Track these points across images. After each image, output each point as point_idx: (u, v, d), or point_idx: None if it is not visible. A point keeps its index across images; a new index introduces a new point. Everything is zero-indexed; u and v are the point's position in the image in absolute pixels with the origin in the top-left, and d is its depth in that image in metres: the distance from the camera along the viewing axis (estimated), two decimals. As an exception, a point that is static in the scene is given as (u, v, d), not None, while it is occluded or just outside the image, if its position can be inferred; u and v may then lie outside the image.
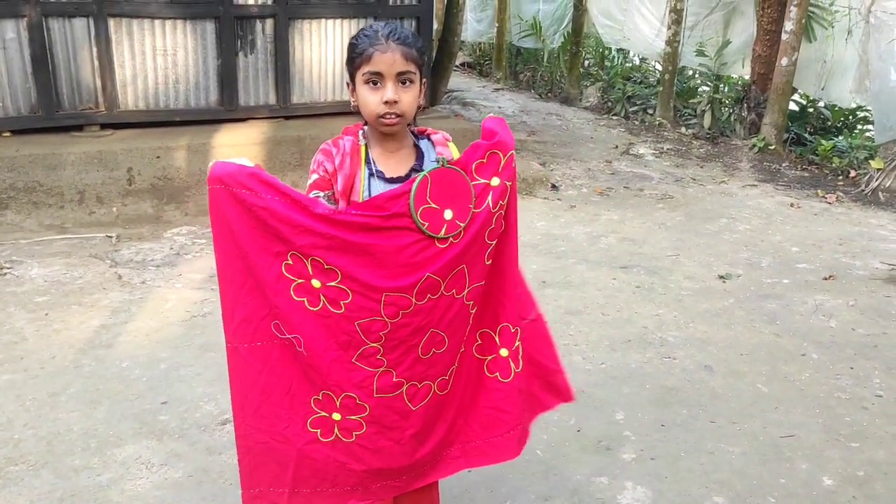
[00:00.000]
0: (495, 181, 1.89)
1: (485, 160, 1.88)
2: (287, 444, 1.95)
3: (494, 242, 1.95)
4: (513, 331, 2.07)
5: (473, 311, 1.99)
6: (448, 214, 1.82)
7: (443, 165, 1.83)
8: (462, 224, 1.85)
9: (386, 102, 1.83)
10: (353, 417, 1.92)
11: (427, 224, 1.80)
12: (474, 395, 2.09)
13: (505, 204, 1.94)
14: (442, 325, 1.90)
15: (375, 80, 1.84)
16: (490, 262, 1.96)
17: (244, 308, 1.86)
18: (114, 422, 3.12)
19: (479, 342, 2.06)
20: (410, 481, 2.05)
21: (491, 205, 1.88)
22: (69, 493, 2.70)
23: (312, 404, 1.93)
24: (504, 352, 2.08)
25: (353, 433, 1.94)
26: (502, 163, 1.90)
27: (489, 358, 2.08)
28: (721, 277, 4.86)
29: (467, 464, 2.14)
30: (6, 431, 3.03)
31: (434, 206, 1.80)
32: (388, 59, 1.81)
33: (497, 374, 2.09)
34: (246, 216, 1.77)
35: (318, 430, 1.94)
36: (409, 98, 1.86)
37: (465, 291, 1.92)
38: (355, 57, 1.85)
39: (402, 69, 1.83)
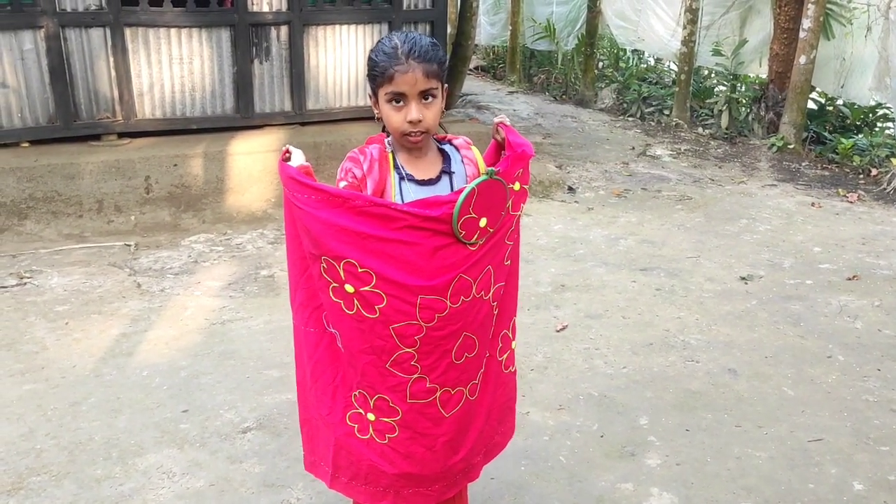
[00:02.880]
0: (517, 186, 1.94)
1: (522, 171, 1.94)
2: (329, 428, 2.00)
3: (512, 244, 2.00)
4: (515, 320, 2.16)
5: (496, 312, 2.02)
6: (483, 222, 1.84)
7: (491, 177, 1.82)
8: (492, 230, 1.88)
9: (410, 122, 1.85)
10: (386, 420, 1.93)
11: (464, 233, 1.81)
12: (495, 394, 2.11)
13: (524, 207, 1.99)
14: (473, 327, 1.91)
15: (398, 98, 1.84)
16: (509, 262, 2.01)
17: (302, 293, 1.94)
18: (135, 431, 3.12)
19: (501, 345, 2.09)
20: (444, 490, 2.04)
21: (511, 208, 1.94)
22: (91, 502, 2.69)
23: (353, 399, 1.95)
24: (514, 344, 2.16)
25: (386, 436, 1.94)
26: (524, 169, 1.97)
27: (506, 356, 2.12)
28: (743, 279, 4.80)
29: (486, 460, 2.17)
30: (28, 441, 3.04)
31: (474, 215, 1.81)
32: (410, 79, 1.81)
33: (511, 367, 2.16)
34: (296, 215, 1.83)
35: (356, 426, 1.97)
36: (433, 113, 1.88)
37: (491, 292, 1.95)
38: (376, 75, 1.85)
39: (425, 87, 1.83)
